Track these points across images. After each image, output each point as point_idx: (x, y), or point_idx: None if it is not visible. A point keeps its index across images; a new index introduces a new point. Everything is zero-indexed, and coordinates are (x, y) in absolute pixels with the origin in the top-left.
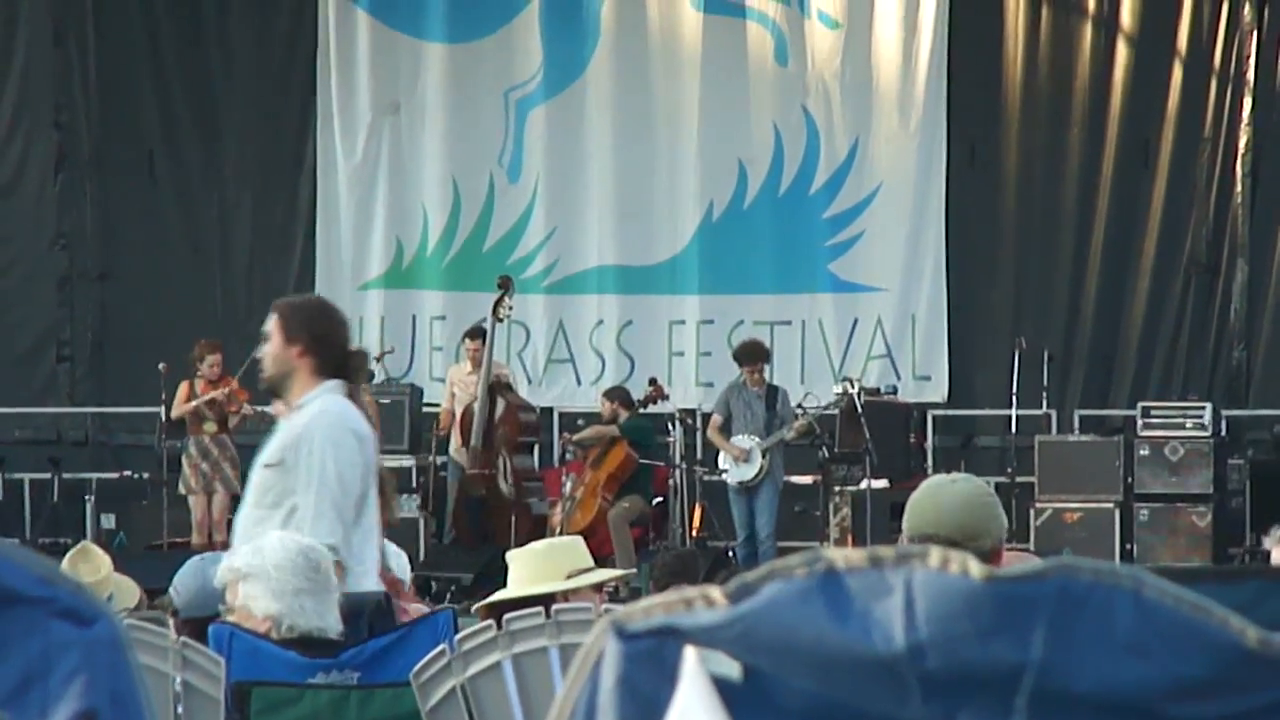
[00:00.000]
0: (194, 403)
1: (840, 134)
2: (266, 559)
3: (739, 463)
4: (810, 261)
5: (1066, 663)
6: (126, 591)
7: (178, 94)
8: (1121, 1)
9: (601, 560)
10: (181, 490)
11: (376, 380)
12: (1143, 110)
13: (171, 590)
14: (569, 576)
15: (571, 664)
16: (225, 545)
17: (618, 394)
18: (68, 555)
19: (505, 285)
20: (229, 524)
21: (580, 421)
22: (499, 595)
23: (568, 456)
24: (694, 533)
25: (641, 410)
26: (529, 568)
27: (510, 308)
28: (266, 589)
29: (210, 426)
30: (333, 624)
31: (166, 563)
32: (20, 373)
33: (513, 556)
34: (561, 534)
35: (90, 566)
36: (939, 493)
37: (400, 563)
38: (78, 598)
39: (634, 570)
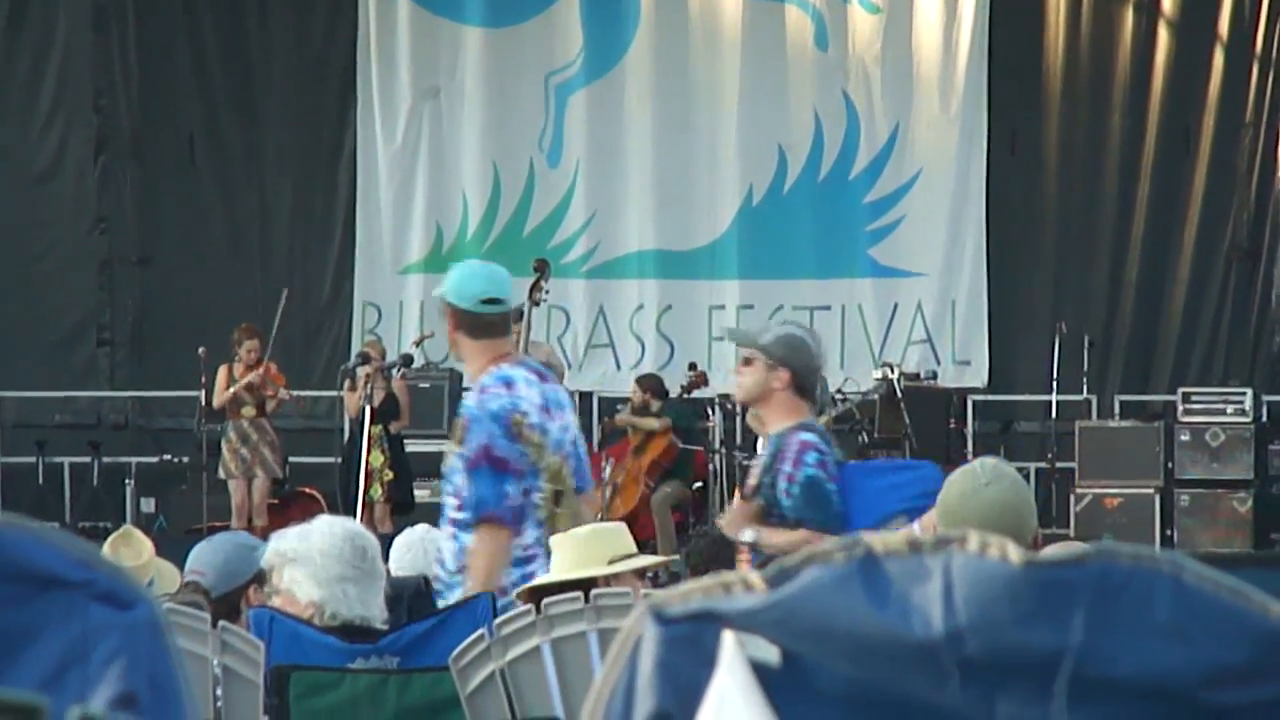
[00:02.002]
0: (232, 389)
1: (880, 119)
2: (313, 545)
3: None
4: (850, 246)
5: (1105, 648)
6: (167, 576)
7: (218, 79)
8: None
9: (643, 546)
10: (221, 475)
11: (416, 364)
12: (1184, 95)
13: (194, 575)
14: (612, 562)
15: (610, 648)
16: (265, 529)
17: (650, 383)
18: (109, 539)
19: (541, 268)
20: (269, 508)
21: (619, 407)
22: (540, 579)
23: (622, 434)
24: None
25: (685, 396)
26: (573, 553)
27: (546, 291)
28: (311, 575)
29: (249, 410)
30: (376, 613)
31: None
32: (60, 357)
33: (556, 541)
34: (603, 520)
35: (132, 551)
36: (977, 497)
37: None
38: (117, 581)
39: (676, 556)
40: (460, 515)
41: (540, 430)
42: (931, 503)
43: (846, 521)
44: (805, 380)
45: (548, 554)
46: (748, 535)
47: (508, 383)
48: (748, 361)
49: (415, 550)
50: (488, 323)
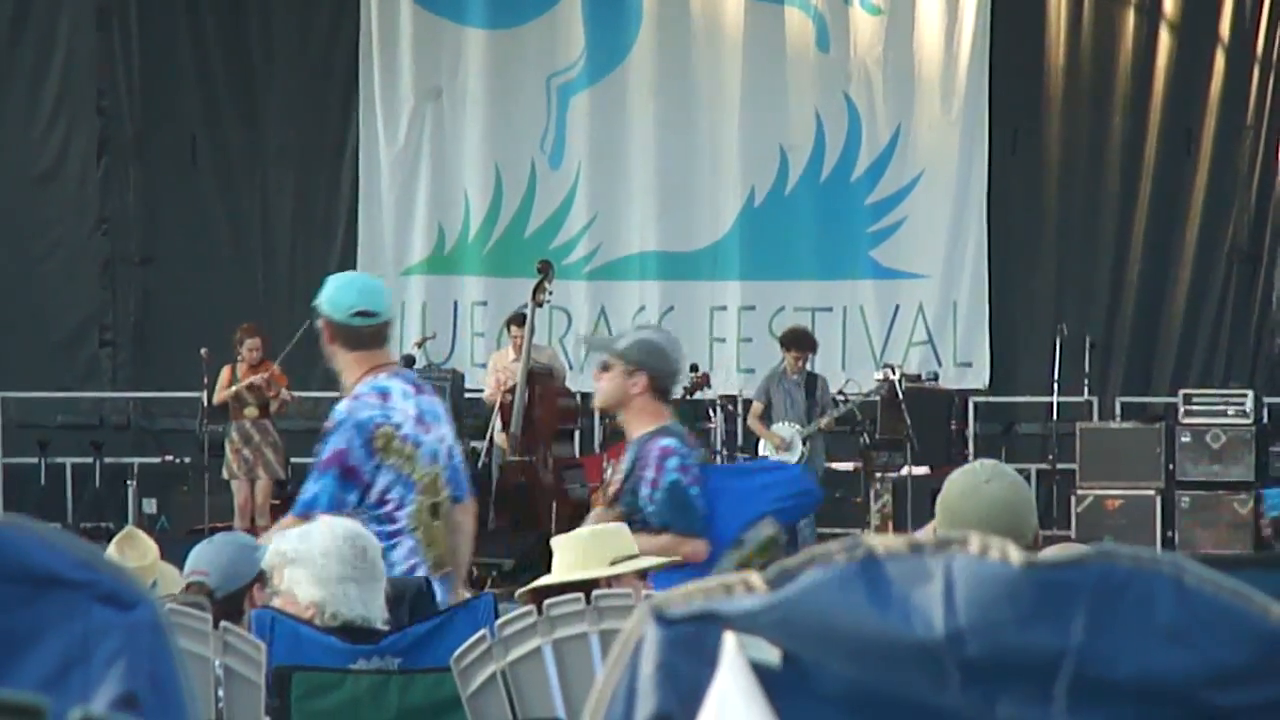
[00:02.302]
0: (234, 388)
1: (882, 120)
2: (314, 545)
3: (779, 451)
4: (852, 248)
5: (1106, 649)
6: (169, 579)
7: (220, 79)
8: None
9: None
10: (224, 475)
11: (418, 366)
12: (1185, 98)
13: (197, 575)
14: (613, 563)
15: (611, 649)
16: (266, 529)
17: None
18: (114, 541)
19: (545, 270)
20: (272, 509)
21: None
22: (542, 580)
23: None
24: None
25: (687, 398)
26: (574, 554)
27: (550, 292)
28: (312, 575)
29: (251, 411)
30: (377, 613)
31: None
32: (62, 357)
33: (558, 542)
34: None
35: (137, 552)
36: (978, 495)
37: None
38: (118, 582)
39: (677, 557)
40: None
41: (413, 442)
42: (797, 503)
43: (712, 525)
44: (664, 384)
45: (429, 564)
46: None
47: (383, 394)
48: (606, 368)
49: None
50: (362, 334)
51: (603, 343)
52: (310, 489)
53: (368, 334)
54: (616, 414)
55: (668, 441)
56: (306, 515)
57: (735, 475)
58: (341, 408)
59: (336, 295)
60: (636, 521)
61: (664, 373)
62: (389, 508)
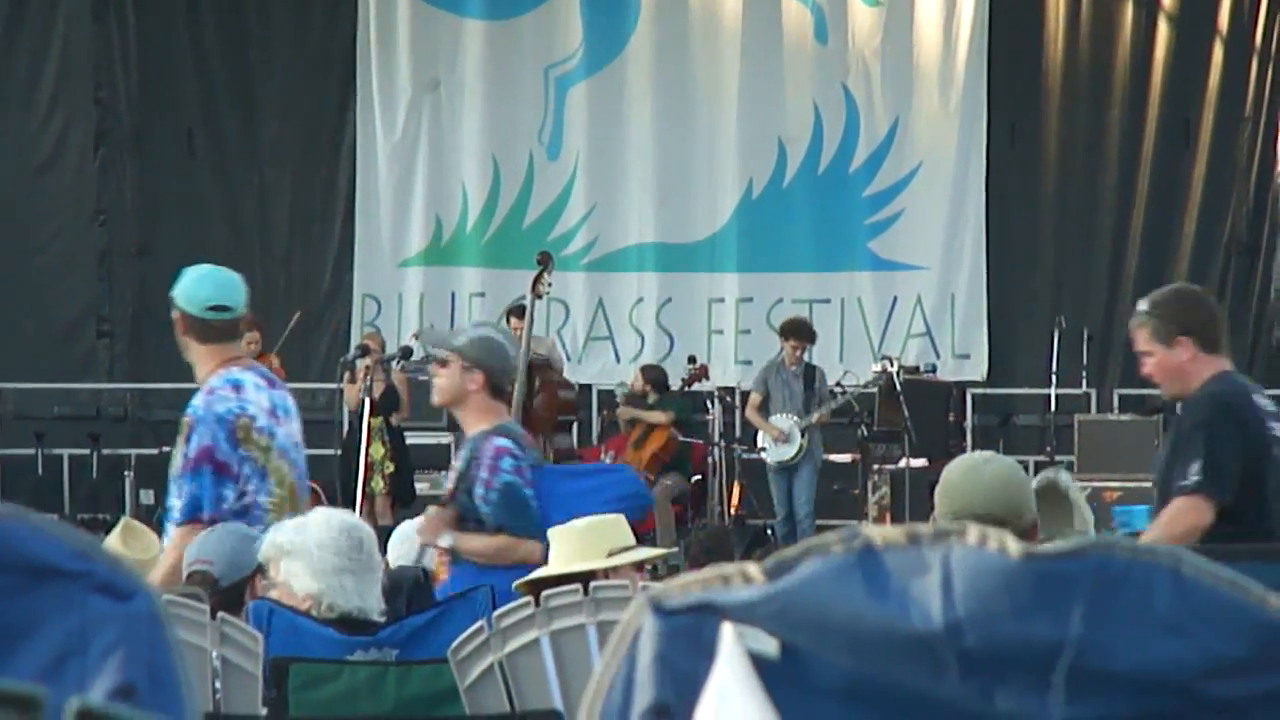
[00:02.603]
0: None
1: (880, 112)
2: (310, 537)
3: (778, 443)
4: (850, 240)
5: (1104, 640)
6: None
7: (217, 70)
8: None
9: (643, 539)
10: None
11: (416, 357)
12: (1183, 89)
13: (201, 565)
14: (610, 555)
15: (609, 641)
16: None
17: (653, 374)
18: (114, 532)
19: (544, 261)
20: None
21: (618, 398)
22: (539, 572)
23: (623, 428)
24: (733, 511)
25: (686, 390)
26: (571, 545)
27: (549, 284)
28: (308, 567)
29: None
30: (374, 604)
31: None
32: (60, 348)
33: (555, 534)
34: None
35: (141, 544)
36: (978, 472)
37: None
38: (115, 572)
39: (675, 548)
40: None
41: (268, 433)
42: (628, 506)
43: (545, 526)
44: (500, 382)
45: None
46: (445, 541)
47: (236, 386)
48: (443, 364)
49: (410, 542)
50: (216, 328)
51: (440, 339)
52: (188, 492)
53: (222, 328)
54: (452, 410)
55: (503, 441)
56: (194, 521)
57: (567, 477)
58: (197, 402)
59: (192, 289)
60: (470, 521)
61: (501, 370)
62: (246, 499)
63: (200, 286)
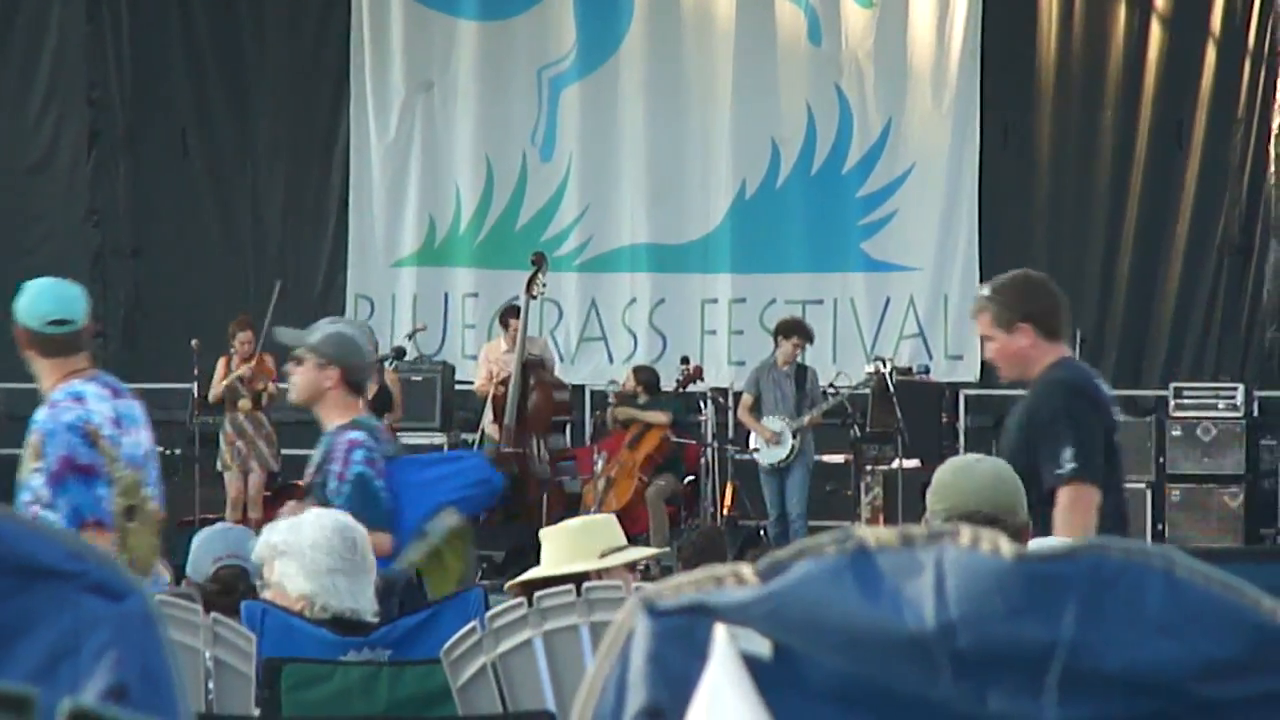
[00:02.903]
0: (226, 380)
1: (873, 113)
2: (303, 537)
3: (770, 444)
4: (843, 241)
5: (1097, 642)
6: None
7: (211, 70)
8: None
9: (636, 539)
10: (219, 467)
11: (409, 357)
12: (1176, 91)
13: (234, 560)
14: (602, 555)
15: (602, 641)
16: (260, 522)
17: (644, 374)
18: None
19: (539, 262)
20: (265, 501)
21: (610, 399)
22: (532, 573)
23: (611, 426)
24: (726, 511)
25: (680, 391)
26: (563, 546)
27: (544, 284)
28: (301, 568)
29: (245, 404)
30: (367, 605)
31: None
32: None
33: (546, 534)
34: (597, 513)
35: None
36: (971, 471)
37: None
38: (108, 573)
39: (668, 549)
40: None
41: (113, 442)
42: (477, 493)
43: (397, 517)
44: (356, 377)
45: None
46: None
47: (78, 397)
48: (299, 361)
49: None
50: (57, 342)
51: (295, 336)
52: (64, 504)
53: (63, 341)
54: (310, 407)
55: (356, 434)
56: (87, 526)
57: (416, 467)
58: (41, 416)
59: (32, 303)
60: None
61: (356, 366)
62: None
63: (40, 301)
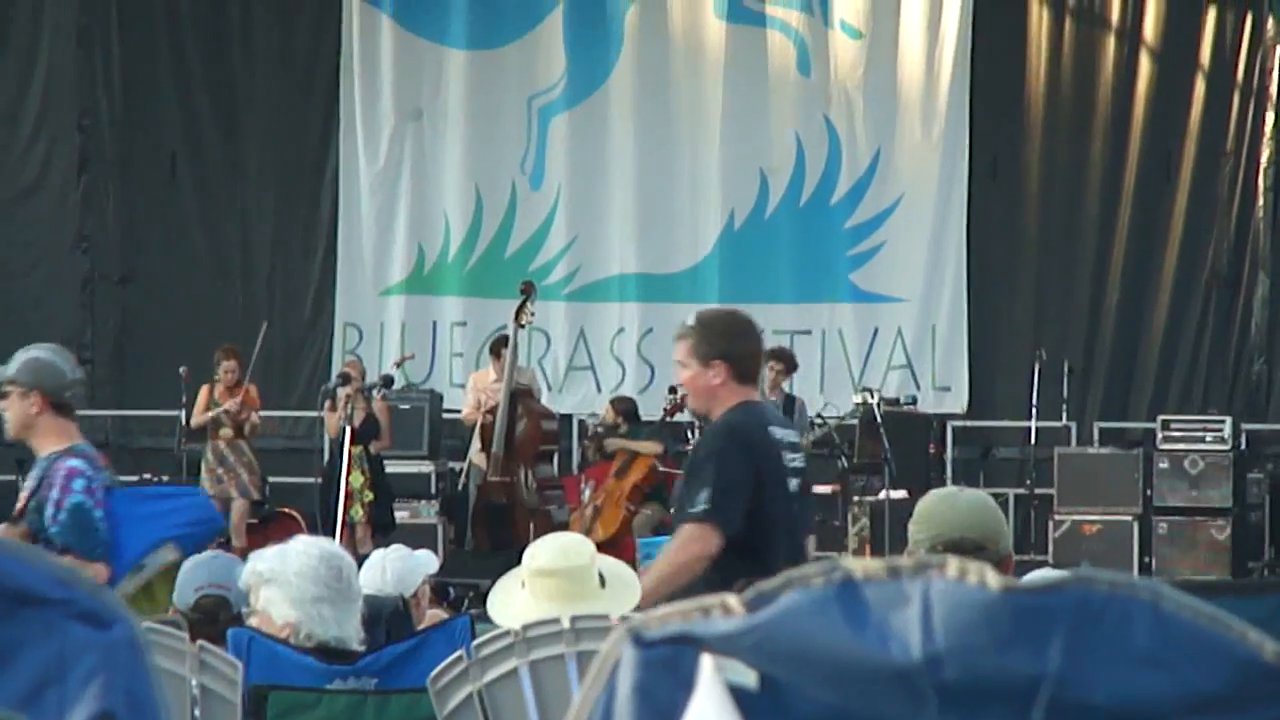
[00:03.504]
0: (210, 413)
1: (862, 144)
2: (289, 565)
3: None
4: (831, 271)
5: (1084, 674)
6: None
7: (201, 98)
8: (1144, 14)
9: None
10: None
11: (397, 385)
12: (1165, 123)
13: (217, 590)
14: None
15: (588, 671)
16: (242, 550)
17: (623, 404)
18: None
19: (527, 291)
20: (249, 529)
21: (598, 429)
22: (519, 614)
23: (593, 456)
24: None
25: (666, 420)
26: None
27: (533, 313)
28: (286, 596)
29: (226, 432)
30: (352, 634)
31: None
32: None
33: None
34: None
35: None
36: (954, 499)
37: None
38: (95, 600)
39: None
40: None
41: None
42: (197, 531)
43: (114, 549)
44: (61, 399)
45: None
46: None
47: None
48: (3, 396)
49: (375, 570)
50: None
51: None
52: None
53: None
54: (25, 439)
55: (75, 462)
56: None
57: (138, 500)
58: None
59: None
60: (41, 540)
61: (58, 387)
62: None
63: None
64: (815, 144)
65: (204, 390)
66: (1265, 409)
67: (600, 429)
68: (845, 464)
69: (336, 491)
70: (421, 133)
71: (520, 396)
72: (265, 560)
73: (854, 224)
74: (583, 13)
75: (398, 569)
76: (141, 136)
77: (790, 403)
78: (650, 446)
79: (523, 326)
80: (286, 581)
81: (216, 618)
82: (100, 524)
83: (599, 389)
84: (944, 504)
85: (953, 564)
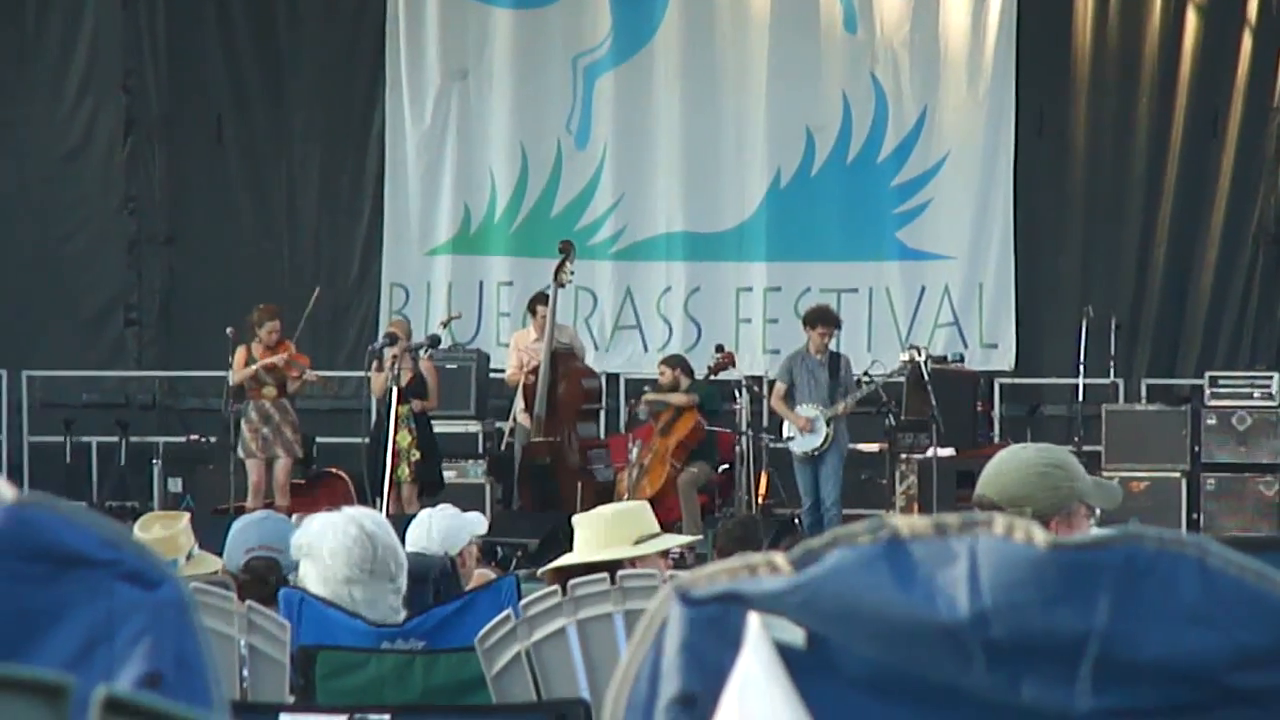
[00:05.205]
0: (252, 368)
1: (909, 101)
2: (325, 542)
3: (804, 432)
4: (878, 229)
5: (1131, 631)
6: (205, 564)
7: (246, 58)
8: None
9: (668, 526)
10: (240, 454)
11: (443, 345)
12: (1211, 80)
13: (268, 552)
14: (636, 542)
15: (636, 630)
16: (287, 510)
17: (678, 361)
18: (141, 520)
19: (566, 250)
20: (295, 488)
21: (646, 388)
22: (566, 559)
23: (640, 417)
24: (760, 500)
25: (712, 378)
26: (596, 533)
27: (572, 272)
28: (319, 573)
29: (270, 391)
30: (386, 613)
31: None
32: (88, 336)
33: (579, 521)
34: (630, 500)
35: (162, 524)
36: (1002, 458)
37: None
38: (143, 560)
39: (701, 536)
40: None
41: None
42: None
43: None
44: None
45: None
46: None
47: None
48: None
49: (421, 528)
50: None
51: None
52: None
53: None
54: None
55: None
56: None
57: None
58: None
59: None
60: None
61: None
62: None
63: None
64: (862, 102)
65: (241, 350)
66: None
67: (653, 390)
68: (893, 422)
69: (384, 452)
70: (467, 92)
71: (560, 356)
72: (307, 534)
73: (901, 182)
74: None
75: (443, 528)
76: (187, 98)
77: (836, 361)
78: (680, 398)
79: (562, 285)
80: (320, 559)
81: (266, 579)
82: None
83: (645, 348)
84: (993, 463)
85: (999, 521)
